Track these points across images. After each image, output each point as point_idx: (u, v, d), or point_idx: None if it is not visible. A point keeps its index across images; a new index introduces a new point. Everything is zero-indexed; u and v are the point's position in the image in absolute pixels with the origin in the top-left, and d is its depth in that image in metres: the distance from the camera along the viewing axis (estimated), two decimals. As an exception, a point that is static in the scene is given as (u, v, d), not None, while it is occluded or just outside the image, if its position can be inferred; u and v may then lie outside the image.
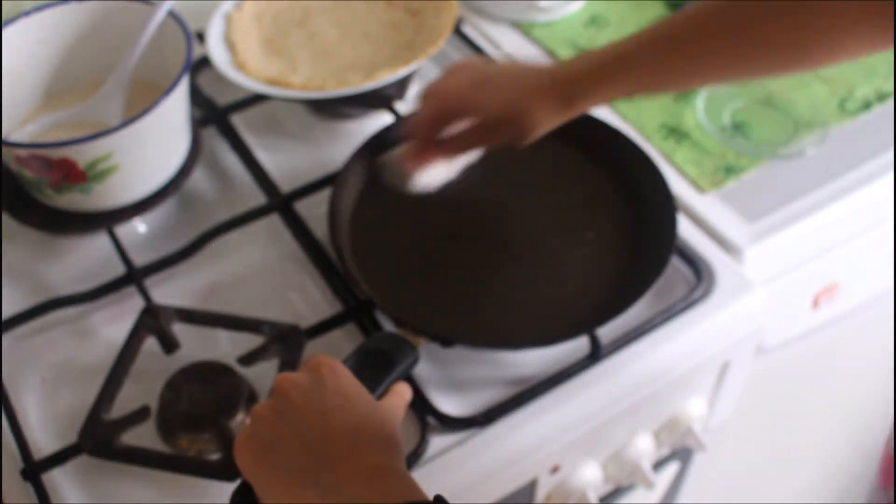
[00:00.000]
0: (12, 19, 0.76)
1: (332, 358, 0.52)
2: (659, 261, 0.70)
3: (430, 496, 0.62)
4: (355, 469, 0.46)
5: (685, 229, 0.77)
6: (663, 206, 0.74)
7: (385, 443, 0.49)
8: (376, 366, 0.58)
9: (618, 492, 0.84)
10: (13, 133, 0.77)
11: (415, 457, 0.63)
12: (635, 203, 0.76)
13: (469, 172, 0.79)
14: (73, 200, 0.73)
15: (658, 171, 0.76)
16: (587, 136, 0.80)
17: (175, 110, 0.74)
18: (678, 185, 0.81)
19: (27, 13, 0.77)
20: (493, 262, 0.73)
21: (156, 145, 0.73)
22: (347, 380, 0.51)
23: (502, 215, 0.77)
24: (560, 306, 0.70)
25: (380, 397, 0.55)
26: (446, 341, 0.66)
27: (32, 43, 0.78)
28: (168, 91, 0.71)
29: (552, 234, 0.75)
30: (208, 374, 0.66)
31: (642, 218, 0.75)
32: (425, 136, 0.68)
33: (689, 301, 0.72)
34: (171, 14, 0.77)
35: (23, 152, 0.69)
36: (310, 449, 0.47)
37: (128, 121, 0.69)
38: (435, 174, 0.73)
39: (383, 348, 0.59)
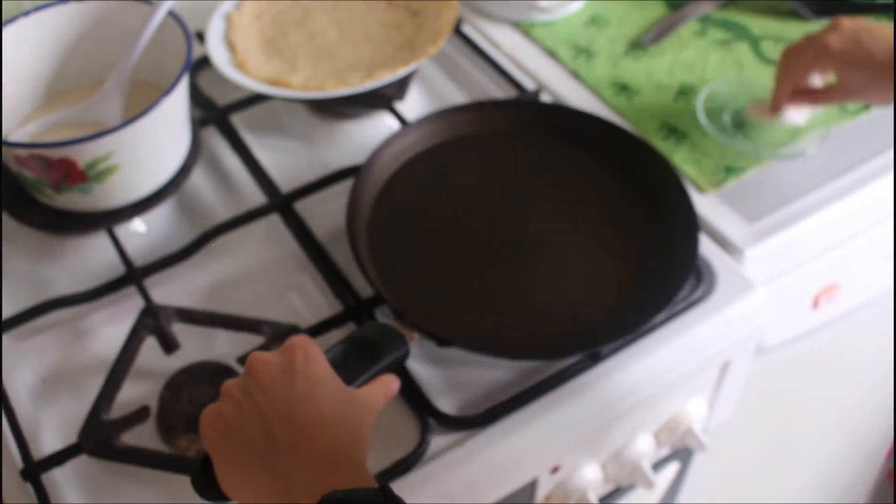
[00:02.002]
0: (12, 19, 0.76)
1: (309, 341, 0.52)
2: (672, 283, 0.69)
3: (429, 498, 0.62)
4: (310, 455, 0.46)
5: (685, 229, 0.77)
6: (685, 225, 0.73)
7: (346, 433, 0.49)
8: (363, 355, 0.57)
9: (618, 492, 0.84)
10: (13, 133, 0.77)
11: (415, 457, 0.63)
12: (655, 219, 0.75)
13: (477, 176, 0.79)
14: (73, 200, 0.73)
15: (685, 190, 0.75)
16: (595, 136, 0.80)
17: (175, 110, 0.74)
18: (678, 185, 0.81)
19: (27, 13, 0.77)
20: (503, 267, 0.72)
21: (156, 145, 0.73)
22: (319, 366, 0.51)
23: (518, 220, 0.76)
24: (566, 319, 0.69)
25: (363, 386, 0.55)
26: (443, 341, 0.66)
27: (32, 43, 0.78)
28: (168, 91, 0.71)
29: (565, 243, 0.74)
30: (208, 374, 0.66)
31: (660, 236, 0.74)
32: (794, 82, 0.78)
33: (689, 301, 0.72)
34: (171, 14, 0.77)
35: (22, 152, 0.69)
36: (269, 432, 0.47)
37: (127, 121, 0.69)
38: (797, 115, 0.82)
39: (372, 338, 0.59)
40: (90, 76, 0.81)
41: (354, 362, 0.56)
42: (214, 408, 0.50)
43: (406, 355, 0.61)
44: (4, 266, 0.78)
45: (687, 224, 0.73)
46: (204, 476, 0.50)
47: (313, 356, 0.51)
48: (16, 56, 0.77)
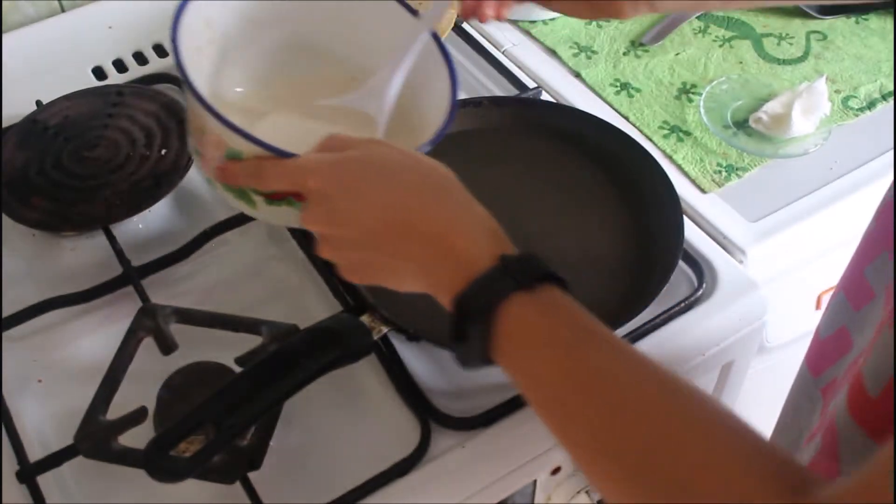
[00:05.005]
0: None
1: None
2: (665, 268, 0.69)
3: (430, 499, 0.61)
4: (427, 247, 0.49)
5: (687, 229, 0.76)
6: (669, 213, 0.73)
7: (450, 205, 0.51)
8: (325, 344, 0.59)
9: (619, 493, 0.83)
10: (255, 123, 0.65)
11: (415, 458, 0.63)
12: (641, 209, 0.75)
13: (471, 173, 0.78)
14: (277, 215, 0.60)
15: (667, 177, 0.75)
16: (592, 136, 0.80)
17: None
18: (679, 185, 0.80)
19: None
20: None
21: None
22: (375, 152, 0.52)
23: (505, 218, 0.76)
24: None
25: (322, 373, 0.57)
26: (411, 335, 0.67)
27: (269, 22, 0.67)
28: (431, 142, 0.59)
29: (554, 240, 0.74)
30: (206, 375, 0.66)
31: (648, 224, 0.74)
32: None
33: (691, 301, 0.71)
34: (440, 45, 0.64)
35: (249, 148, 0.56)
36: (377, 246, 0.50)
37: None
38: (804, 124, 0.83)
39: (336, 329, 0.60)
40: (315, 70, 0.69)
41: (318, 352, 0.58)
42: (339, 259, 0.53)
43: (369, 348, 0.62)
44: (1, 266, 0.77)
45: (674, 217, 0.73)
46: (155, 458, 0.52)
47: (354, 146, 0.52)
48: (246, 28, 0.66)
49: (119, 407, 0.63)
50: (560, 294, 0.47)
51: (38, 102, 0.87)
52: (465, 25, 0.97)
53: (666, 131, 0.86)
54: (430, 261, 0.49)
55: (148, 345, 0.67)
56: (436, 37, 0.64)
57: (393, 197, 0.50)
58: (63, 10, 1.00)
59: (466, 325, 0.47)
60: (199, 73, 0.62)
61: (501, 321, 0.46)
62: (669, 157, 0.84)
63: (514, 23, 0.99)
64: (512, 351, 0.46)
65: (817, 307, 0.91)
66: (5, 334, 0.71)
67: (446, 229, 0.49)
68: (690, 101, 0.88)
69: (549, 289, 0.47)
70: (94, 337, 0.72)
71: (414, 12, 0.65)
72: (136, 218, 0.78)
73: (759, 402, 0.94)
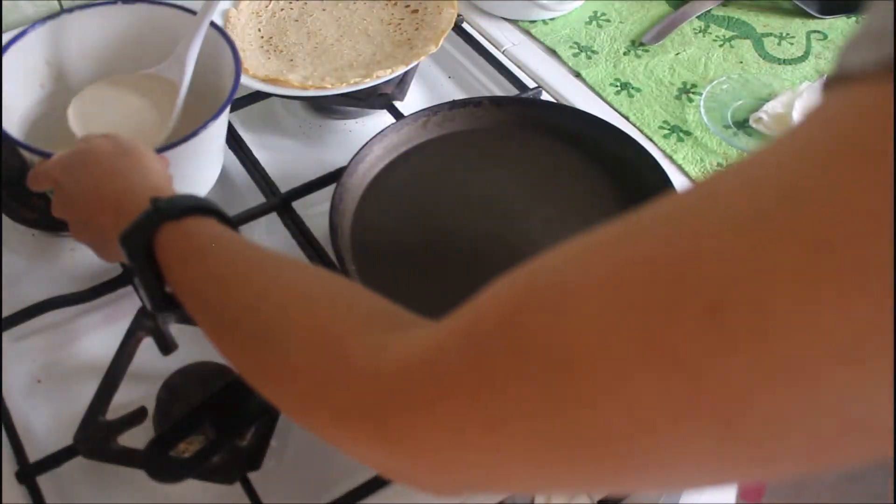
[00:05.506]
0: (53, 15, 0.77)
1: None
2: None
3: (429, 499, 0.61)
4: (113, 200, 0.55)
5: (687, 228, 0.76)
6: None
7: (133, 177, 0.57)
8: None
9: (619, 493, 0.83)
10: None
11: (415, 459, 0.63)
12: (639, 205, 0.75)
13: (471, 173, 0.78)
14: None
15: (667, 177, 0.75)
16: (592, 136, 0.79)
17: (217, 132, 0.73)
18: (680, 185, 0.80)
19: (87, 6, 0.78)
20: (492, 266, 0.72)
21: (195, 165, 0.73)
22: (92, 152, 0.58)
23: (504, 217, 0.76)
24: None
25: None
26: None
27: (77, 37, 0.79)
28: (214, 116, 0.70)
29: (555, 239, 0.74)
30: (206, 375, 0.66)
31: None
32: None
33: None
34: (220, 32, 0.76)
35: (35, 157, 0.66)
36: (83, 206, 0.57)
37: (171, 144, 0.68)
38: None
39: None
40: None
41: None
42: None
43: None
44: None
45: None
46: (155, 458, 0.53)
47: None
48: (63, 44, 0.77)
49: (119, 407, 0.63)
50: (208, 220, 0.51)
51: (38, 102, 0.87)
52: (465, 25, 0.97)
53: (666, 131, 0.86)
54: (114, 227, 0.53)
55: (148, 345, 0.67)
56: (216, 27, 0.76)
57: (96, 180, 0.56)
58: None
59: (134, 267, 0.51)
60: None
61: (160, 255, 0.50)
62: (669, 157, 0.83)
63: (514, 23, 0.99)
64: (172, 280, 0.50)
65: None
66: (5, 334, 0.71)
67: (123, 197, 0.54)
68: (691, 100, 0.88)
69: (200, 219, 0.50)
70: (94, 337, 0.72)
71: (193, 12, 0.77)
72: (135, 218, 0.78)
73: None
